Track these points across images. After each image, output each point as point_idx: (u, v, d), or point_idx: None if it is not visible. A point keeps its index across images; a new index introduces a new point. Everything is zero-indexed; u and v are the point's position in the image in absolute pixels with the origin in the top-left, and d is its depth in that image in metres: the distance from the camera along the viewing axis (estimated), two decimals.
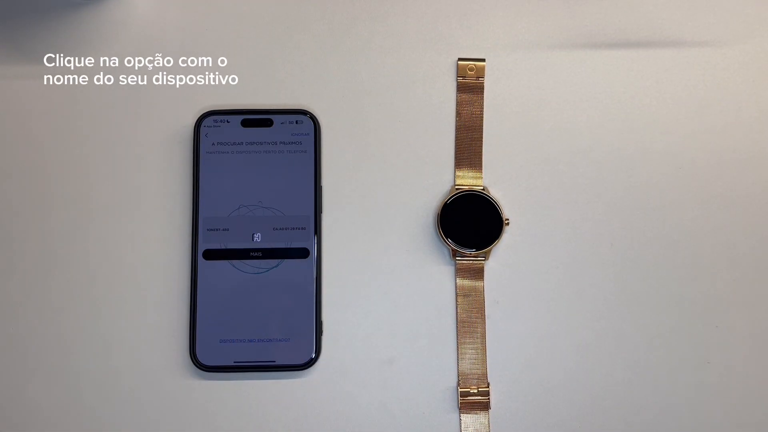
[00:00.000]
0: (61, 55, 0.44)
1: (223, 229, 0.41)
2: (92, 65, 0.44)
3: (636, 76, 0.44)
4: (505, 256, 0.42)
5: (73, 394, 0.41)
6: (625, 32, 0.44)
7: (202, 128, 0.42)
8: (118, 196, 0.42)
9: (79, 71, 0.44)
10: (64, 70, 0.44)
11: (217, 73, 0.44)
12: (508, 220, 0.42)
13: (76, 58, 0.44)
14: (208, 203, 0.42)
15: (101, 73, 0.44)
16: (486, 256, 0.42)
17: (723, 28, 0.45)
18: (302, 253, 0.41)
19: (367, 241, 0.42)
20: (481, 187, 0.43)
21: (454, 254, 0.42)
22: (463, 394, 0.41)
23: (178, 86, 0.44)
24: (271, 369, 0.40)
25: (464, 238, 0.42)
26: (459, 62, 0.44)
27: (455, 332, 0.42)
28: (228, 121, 0.42)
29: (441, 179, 0.43)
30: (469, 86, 0.44)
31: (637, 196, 0.43)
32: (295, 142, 0.42)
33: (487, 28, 0.45)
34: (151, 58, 0.44)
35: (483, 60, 0.44)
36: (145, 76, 0.44)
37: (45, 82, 0.43)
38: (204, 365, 0.40)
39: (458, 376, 0.41)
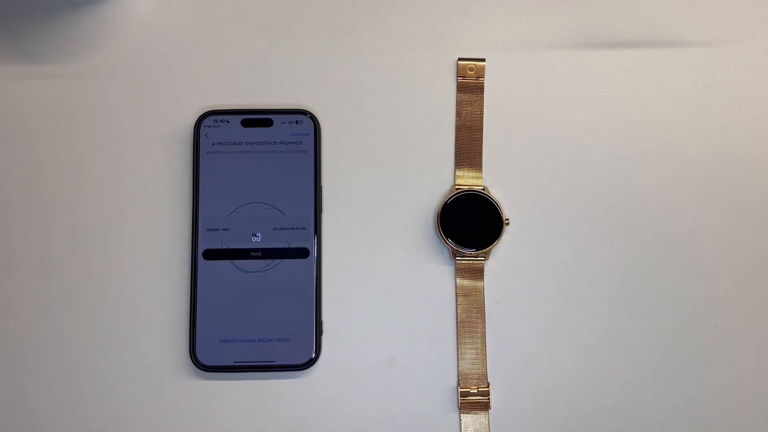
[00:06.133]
0: (61, 55, 0.44)
1: (223, 229, 0.41)
2: (92, 65, 0.44)
3: (636, 76, 0.44)
4: (505, 256, 0.42)
5: (73, 394, 0.41)
6: (625, 32, 0.44)
7: (202, 128, 0.42)
8: (118, 196, 0.42)
9: (79, 71, 0.44)
10: (64, 70, 0.44)
11: (217, 73, 0.44)
12: (508, 220, 0.42)
13: (76, 58, 0.44)
14: (208, 203, 0.42)
15: (101, 73, 0.44)
16: (486, 256, 0.42)
17: (723, 28, 0.45)
18: (302, 253, 0.41)
19: (367, 241, 0.42)
20: (481, 187, 0.43)
21: (454, 254, 0.42)
22: (463, 394, 0.41)
23: (178, 86, 0.44)
24: (271, 369, 0.40)
25: (464, 238, 0.42)
26: (459, 62, 0.44)
27: (455, 332, 0.42)
28: (228, 121, 0.42)
29: (441, 179, 0.43)
30: (469, 86, 0.44)
31: (637, 196, 0.43)
32: (295, 142, 0.42)
33: (487, 28, 0.45)
34: (151, 58, 0.44)
35: (483, 60, 0.44)
36: (145, 76, 0.44)
37: (45, 82, 0.43)
38: (204, 365, 0.40)
39: (458, 376, 0.41)
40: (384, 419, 0.41)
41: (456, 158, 0.43)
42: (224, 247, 0.41)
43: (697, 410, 0.41)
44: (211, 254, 0.41)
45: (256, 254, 0.41)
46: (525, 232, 0.43)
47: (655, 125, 0.44)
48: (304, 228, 0.42)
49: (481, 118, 0.44)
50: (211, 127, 0.42)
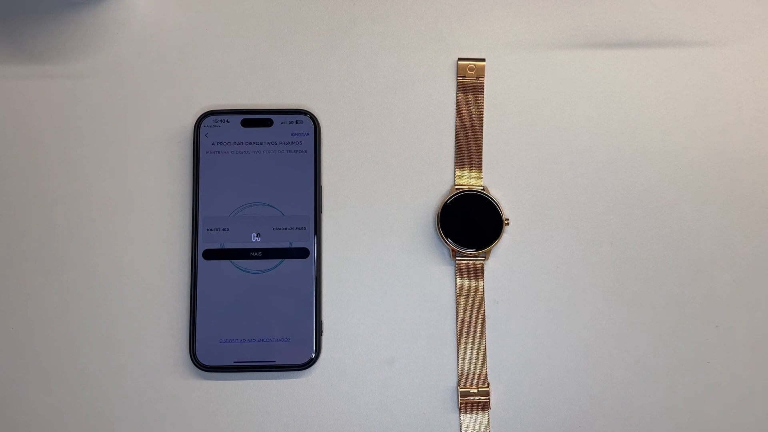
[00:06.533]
0: (61, 55, 0.44)
1: (223, 229, 0.41)
2: (92, 65, 0.44)
3: (636, 76, 0.44)
4: (505, 256, 0.42)
5: (73, 394, 0.41)
6: (625, 32, 0.44)
7: (202, 128, 0.42)
8: (118, 196, 0.42)
9: (78, 71, 0.44)
10: (64, 70, 0.44)
11: (217, 73, 0.44)
12: (508, 220, 0.42)
13: (76, 58, 0.44)
14: (208, 203, 0.42)
15: (101, 73, 0.44)
16: (486, 256, 0.42)
17: (723, 28, 0.45)
18: (302, 253, 0.41)
19: (367, 241, 0.42)
20: (481, 187, 0.43)
21: (454, 254, 0.42)
22: (463, 394, 0.41)
23: (178, 86, 0.44)
24: (271, 369, 0.40)
25: (464, 238, 0.42)
26: (459, 62, 0.44)
27: (455, 332, 0.42)
28: (228, 121, 0.42)
29: (441, 179, 0.43)
30: (469, 86, 0.44)
31: (637, 196, 0.43)
32: (295, 142, 0.42)
33: (487, 28, 0.45)
34: (151, 58, 0.44)
35: (483, 60, 0.44)
36: (145, 76, 0.44)
37: (45, 82, 0.43)
38: (204, 365, 0.40)
39: (458, 376, 0.41)
40: (384, 419, 0.41)
41: (456, 158, 0.43)
42: (224, 247, 0.41)
43: (697, 410, 0.41)
44: (211, 254, 0.41)
45: (256, 254, 0.41)
46: (525, 232, 0.43)
47: (655, 125, 0.44)
48: (304, 228, 0.42)
49: (481, 118, 0.44)
50: (211, 127, 0.42)
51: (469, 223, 0.42)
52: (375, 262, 0.42)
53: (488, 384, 0.41)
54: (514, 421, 0.41)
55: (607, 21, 0.45)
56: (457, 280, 0.42)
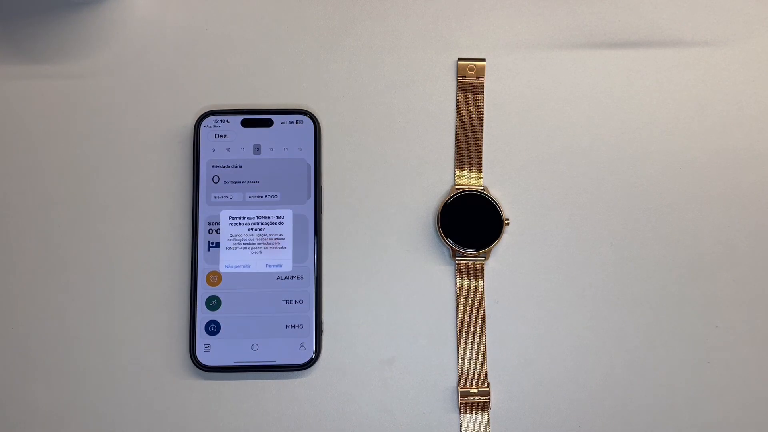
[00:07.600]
0: (61, 55, 0.44)
1: (223, 229, 0.41)
2: (92, 65, 0.44)
3: (636, 76, 0.44)
4: (505, 256, 0.42)
5: (73, 394, 0.41)
6: (625, 32, 0.44)
7: (202, 128, 0.42)
8: (118, 196, 0.42)
9: (78, 71, 0.44)
10: (64, 71, 0.44)
11: (217, 73, 0.44)
12: (508, 220, 0.42)
13: (76, 58, 0.44)
14: (208, 203, 0.42)
15: (101, 73, 0.44)
16: (486, 256, 0.42)
17: (723, 28, 0.45)
18: (303, 253, 0.41)
19: (367, 241, 0.42)
20: (481, 187, 0.43)
21: (454, 254, 0.42)
22: (463, 394, 0.41)
23: (178, 86, 0.44)
24: (271, 369, 0.40)
25: (464, 238, 0.42)
26: (459, 62, 0.44)
27: (455, 332, 0.42)
28: (228, 121, 0.42)
29: (441, 179, 0.43)
30: (469, 86, 0.44)
31: (637, 196, 0.43)
32: (295, 142, 0.42)
33: (487, 28, 0.45)
34: (151, 58, 0.44)
35: (483, 60, 0.44)
36: (145, 76, 0.44)
37: (45, 82, 0.43)
38: (204, 365, 0.40)
39: (458, 376, 0.41)
40: (384, 419, 0.41)
41: (456, 158, 0.43)
42: (224, 246, 0.41)
43: (697, 410, 0.41)
44: (210, 255, 0.41)
45: (256, 254, 0.41)
46: (525, 232, 0.43)
47: (655, 125, 0.44)
48: (305, 228, 0.42)
49: (481, 118, 0.44)
50: (211, 127, 0.42)
51: (469, 223, 0.42)
52: (375, 262, 0.42)
53: (488, 384, 0.41)
54: (514, 421, 0.41)
55: (607, 21, 0.45)
56: (457, 280, 0.42)
